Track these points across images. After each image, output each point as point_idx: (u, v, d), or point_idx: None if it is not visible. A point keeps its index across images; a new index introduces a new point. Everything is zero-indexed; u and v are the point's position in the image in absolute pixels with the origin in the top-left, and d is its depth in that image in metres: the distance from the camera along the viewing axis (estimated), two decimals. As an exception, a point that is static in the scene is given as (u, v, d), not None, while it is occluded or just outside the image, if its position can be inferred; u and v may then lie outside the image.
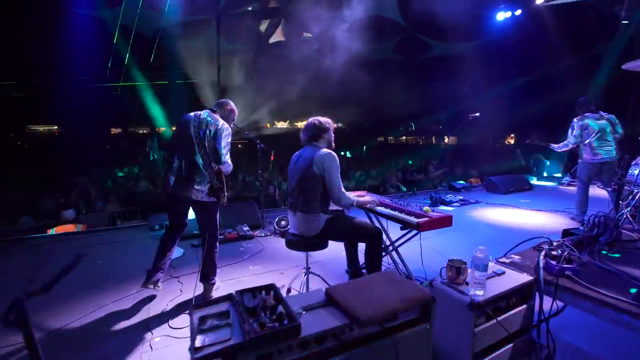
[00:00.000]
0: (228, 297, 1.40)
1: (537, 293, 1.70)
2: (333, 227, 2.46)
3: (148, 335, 2.31)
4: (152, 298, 2.83)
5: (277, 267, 3.43)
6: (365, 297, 1.40)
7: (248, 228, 4.52)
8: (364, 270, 2.83)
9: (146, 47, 11.87)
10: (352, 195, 2.58)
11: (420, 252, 3.00)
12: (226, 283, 3.08)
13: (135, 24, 10.79)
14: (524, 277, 1.71)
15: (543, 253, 1.80)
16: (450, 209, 5.85)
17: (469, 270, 1.65)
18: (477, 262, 1.56)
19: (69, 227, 5.13)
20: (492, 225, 4.85)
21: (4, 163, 10.26)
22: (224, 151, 2.67)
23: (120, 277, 3.21)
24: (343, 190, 2.44)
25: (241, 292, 1.40)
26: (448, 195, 6.40)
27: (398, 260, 2.86)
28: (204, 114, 2.72)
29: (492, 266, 1.82)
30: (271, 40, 14.94)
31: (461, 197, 6.42)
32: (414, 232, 2.44)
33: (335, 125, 2.70)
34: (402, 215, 2.41)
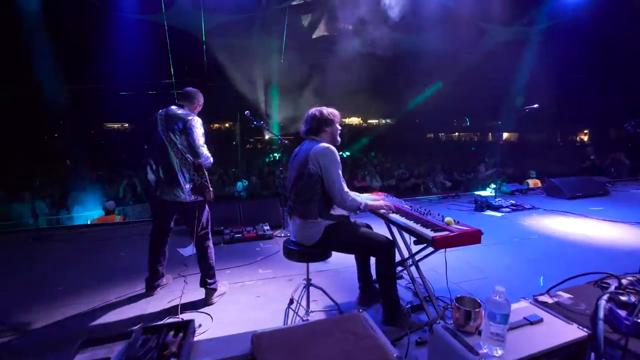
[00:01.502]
0: (126, 335, 1.15)
1: (592, 358, 1.19)
2: (333, 236, 2.13)
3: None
4: (153, 297, 2.76)
5: (287, 273, 3.18)
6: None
7: (268, 227, 4.35)
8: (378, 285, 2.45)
9: (196, 48, 12.34)
10: (361, 197, 2.21)
11: (445, 268, 2.51)
12: (232, 287, 2.92)
13: (184, 25, 11.27)
14: (573, 331, 1.19)
15: (606, 296, 1.24)
16: (498, 214, 5.11)
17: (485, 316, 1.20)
18: (492, 310, 1.12)
19: (109, 218, 5.43)
20: (549, 238, 4.08)
21: (84, 158, 11.44)
22: (199, 143, 2.46)
23: (134, 272, 3.21)
24: (346, 190, 2.09)
25: (144, 330, 1.14)
26: (497, 199, 5.61)
27: (417, 277, 2.43)
28: (170, 109, 2.54)
29: (526, 307, 1.34)
30: (314, 35, 14.81)
31: (513, 202, 5.59)
32: (431, 248, 2.00)
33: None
34: (417, 227, 1.98)
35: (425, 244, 1.95)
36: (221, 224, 4.49)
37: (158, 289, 2.80)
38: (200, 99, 2.70)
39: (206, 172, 2.55)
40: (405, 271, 2.57)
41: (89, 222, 5.75)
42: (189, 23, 11.24)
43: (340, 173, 2.11)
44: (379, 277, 2.19)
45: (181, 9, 10.34)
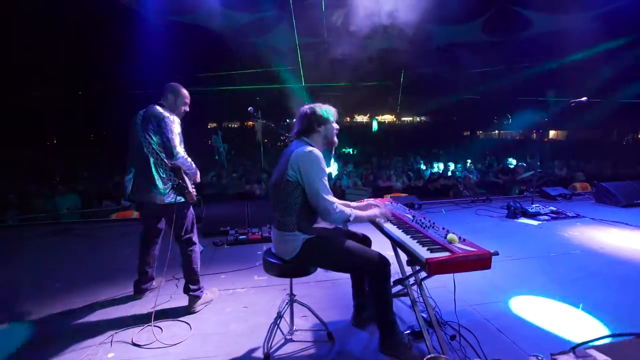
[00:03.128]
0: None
1: None
2: (312, 253, 1.85)
3: (105, 346, 2.08)
4: (139, 300, 2.65)
5: (283, 282, 2.91)
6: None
7: (275, 229, 4.15)
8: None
9: (225, 46, 12.48)
10: (347, 208, 1.90)
11: (454, 287, 2.10)
12: (222, 294, 2.73)
13: (212, 24, 11.43)
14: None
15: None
16: (534, 222, 4.50)
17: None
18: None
19: (127, 213, 5.55)
20: (595, 254, 3.45)
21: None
22: (174, 143, 2.27)
23: (132, 271, 3.13)
24: (330, 199, 1.80)
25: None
26: (535, 205, 4.96)
27: (419, 298, 2.07)
28: (150, 107, 2.38)
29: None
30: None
31: (554, 208, 4.91)
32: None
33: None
34: (411, 243, 1.63)
35: (417, 267, 1.59)
36: (228, 224, 4.37)
37: (147, 292, 2.69)
38: (182, 97, 2.48)
39: (185, 175, 2.39)
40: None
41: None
42: (217, 22, 11.36)
43: (325, 181, 1.82)
44: (371, 299, 1.88)
45: (210, 9, 10.49)
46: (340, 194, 7.14)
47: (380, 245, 2.23)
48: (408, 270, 2.09)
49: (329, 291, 2.76)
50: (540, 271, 3.05)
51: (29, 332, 2.26)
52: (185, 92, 2.50)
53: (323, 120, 1.98)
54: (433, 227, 1.82)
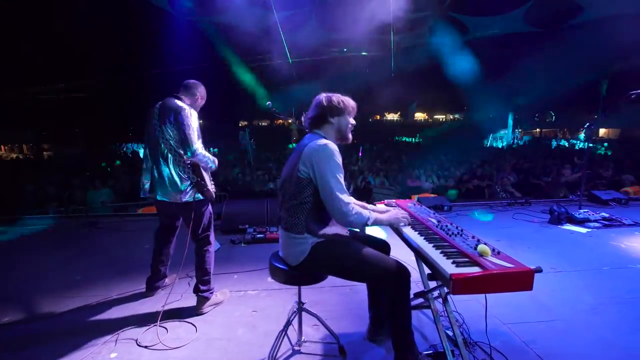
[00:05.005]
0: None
1: None
2: (322, 260, 1.66)
3: (110, 345, 2.02)
4: (150, 297, 2.61)
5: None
6: None
7: (294, 228, 4.00)
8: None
9: (253, 44, 12.52)
10: (364, 209, 1.68)
11: (485, 305, 1.81)
12: (233, 295, 2.62)
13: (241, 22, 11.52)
14: None
15: None
16: (583, 230, 4.00)
17: None
18: None
19: (152, 208, 5.66)
20: (659, 269, 2.97)
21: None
22: (192, 138, 2.18)
23: (147, 267, 3.13)
24: (345, 199, 1.59)
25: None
26: (583, 210, 4.43)
27: (443, 313, 1.82)
28: (167, 100, 2.29)
29: None
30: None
31: (606, 215, 4.35)
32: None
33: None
34: (433, 254, 1.37)
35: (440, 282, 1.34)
36: (247, 222, 4.29)
37: (159, 290, 2.64)
38: (201, 91, 2.45)
39: (204, 171, 2.30)
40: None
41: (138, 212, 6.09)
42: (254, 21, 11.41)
43: (341, 179, 1.62)
44: (388, 312, 1.66)
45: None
46: (367, 193, 6.87)
47: (401, 250, 2.01)
48: (433, 282, 1.84)
49: (346, 298, 2.56)
50: (590, 287, 2.64)
51: (36, 327, 2.26)
52: (202, 86, 2.44)
53: (338, 111, 1.78)
54: (461, 235, 1.56)
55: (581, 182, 5.05)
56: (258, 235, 3.89)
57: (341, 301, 2.50)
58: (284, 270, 1.71)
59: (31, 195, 7.27)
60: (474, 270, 1.23)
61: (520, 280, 1.19)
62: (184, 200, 2.26)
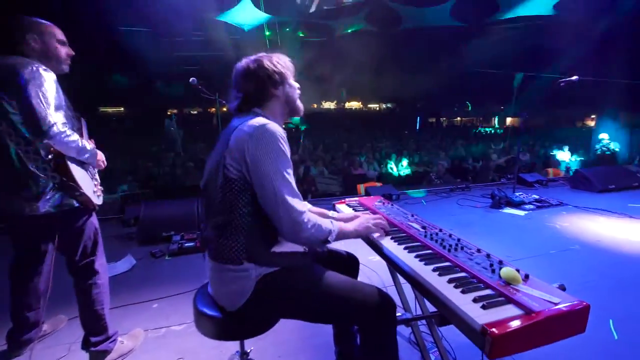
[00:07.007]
0: None
1: None
2: (272, 298, 1.15)
3: None
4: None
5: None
6: None
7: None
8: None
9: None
10: (323, 218, 1.20)
11: None
12: (150, 336, 1.94)
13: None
14: None
15: None
16: (521, 213, 4.14)
17: None
18: None
19: None
20: (596, 249, 3.08)
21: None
22: (40, 108, 1.38)
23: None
24: (298, 207, 1.11)
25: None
26: (518, 193, 4.63)
27: (430, 341, 1.46)
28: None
29: None
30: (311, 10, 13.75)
31: (536, 196, 4.62)
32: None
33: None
34: (442, 288, 0.93)
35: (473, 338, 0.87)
36: (173, 227, 3.52)
37: (32, 343, 1.82)
38: (51, 33, 1.52)
39: (78, 166, 1.53)
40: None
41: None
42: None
43: (289, 176, 1.12)
44: (362, 353, 1.22)
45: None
46: (310, 185, 6.44)
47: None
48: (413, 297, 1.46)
49: (298, 325, 2.06)
50: (550, 275, 2.60)
51: None
52: (53, 26, 1.55)
53: (281, 77, 1.25)
54: (462, 249, 1.18)
55: (512, 165, 5.34)
56: (187, 244, 3.17)
57: (294, 330, 2.01)
58: (215, 319, 1.14)
59: None
60: (512, 313, 0.81)
61: (576, 320, 0.84)
62: (42, 211, 1.49)
